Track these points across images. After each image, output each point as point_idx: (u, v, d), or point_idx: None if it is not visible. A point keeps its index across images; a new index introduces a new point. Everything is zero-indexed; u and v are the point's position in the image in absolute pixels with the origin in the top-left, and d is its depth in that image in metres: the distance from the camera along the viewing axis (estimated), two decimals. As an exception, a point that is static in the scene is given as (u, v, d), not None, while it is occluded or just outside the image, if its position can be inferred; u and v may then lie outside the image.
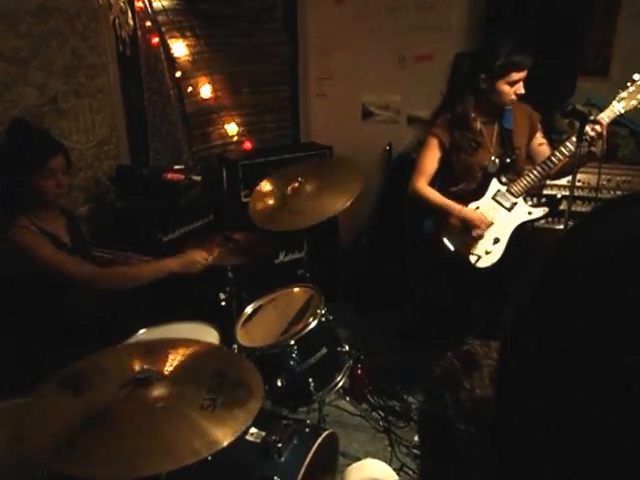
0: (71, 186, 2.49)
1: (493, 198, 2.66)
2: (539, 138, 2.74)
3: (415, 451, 2.72)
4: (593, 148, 2.43)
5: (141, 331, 2.31)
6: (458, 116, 2.63)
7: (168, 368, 1.65)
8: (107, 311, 2.53)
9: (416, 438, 2.80)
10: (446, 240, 2.71)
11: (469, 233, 2.64)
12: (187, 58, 3.75)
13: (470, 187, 2.71)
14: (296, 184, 2.72)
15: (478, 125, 2.63)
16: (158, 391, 1.54)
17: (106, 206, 3.26)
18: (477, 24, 3.67)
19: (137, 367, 1.57)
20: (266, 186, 2.88)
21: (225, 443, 1.40)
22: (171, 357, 1.70)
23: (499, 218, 2.65)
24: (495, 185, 2.67)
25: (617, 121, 3.24)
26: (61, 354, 2.14)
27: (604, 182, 3.10)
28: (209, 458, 1.72)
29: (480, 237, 2.63)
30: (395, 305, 3.80)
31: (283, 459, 1.82)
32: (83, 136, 3.17)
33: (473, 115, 2.62)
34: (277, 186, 2.83)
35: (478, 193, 2.69)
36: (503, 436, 0.41)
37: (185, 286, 2.98)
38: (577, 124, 2.36)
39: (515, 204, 2.66)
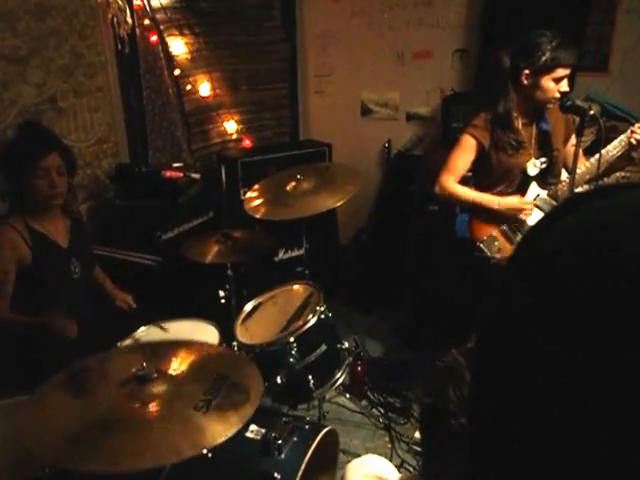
0: (72, 186, 2.46)
1: (532, 202, 2.54)
2: (572, 139, 2.62)
3: (415, 448, 2.72)
4: (634, 153, 2.36)
5: (141, 329, 2.31)
6: (500, 115, 2.47)
7: (169, 367, 1.65)
8: (107, 309, 2.54)
9: (416, 435, 2.80)
10: (483, 246, 2.55)
11: (510, 241, 2.51)
12: (186, 56, 3.75)
13: (508, 190, 2.56)
14: (294, 182, 2.72)
15: (520, 124, 2.48)
16: (156, 389, 1.54)
17: (105, 204, 3.25)
18: (475, 21, 3.67)
19: (138, 366, 1.57)
20: (265, 183, 2.88)
21: (209, 445, 1.38)
22: (173, 357, 1.70)
23: None
24: (535, 189, 2.54)
25: (616, 116, 3.26)
26: (61, 354, 2.15)
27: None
28: (209, 455, 1.73)
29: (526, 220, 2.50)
30: (395, 302, 3.81)
31: (283, 456, 1.82)
32: (82, 134, 3.17)
33: (515, 115, 2.46)
34: (276, 183, 2.83)
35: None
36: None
37: (185, 284, 2.99)
38: (577, 119, 2.35)
39: None
